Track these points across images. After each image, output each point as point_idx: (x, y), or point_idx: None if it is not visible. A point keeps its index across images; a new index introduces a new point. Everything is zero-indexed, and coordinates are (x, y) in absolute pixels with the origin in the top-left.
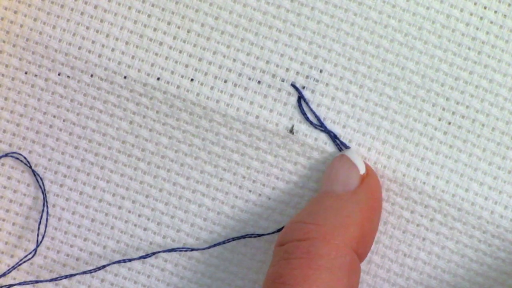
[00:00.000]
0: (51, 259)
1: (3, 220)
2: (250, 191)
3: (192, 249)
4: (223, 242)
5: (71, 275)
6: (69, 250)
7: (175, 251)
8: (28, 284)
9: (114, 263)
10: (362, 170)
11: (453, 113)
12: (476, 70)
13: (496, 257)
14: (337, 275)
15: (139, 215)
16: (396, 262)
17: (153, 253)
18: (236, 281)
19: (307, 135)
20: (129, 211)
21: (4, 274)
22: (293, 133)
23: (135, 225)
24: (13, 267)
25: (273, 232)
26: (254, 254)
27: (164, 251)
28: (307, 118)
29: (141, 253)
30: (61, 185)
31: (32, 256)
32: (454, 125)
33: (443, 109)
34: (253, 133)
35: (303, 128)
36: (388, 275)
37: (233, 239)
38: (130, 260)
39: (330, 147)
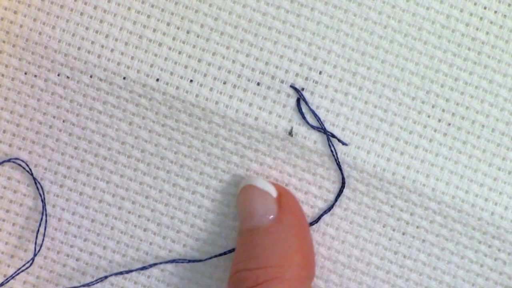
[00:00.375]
0: (51, 259)
1: (3, 220)
2: None
3: (189, 261)
4: (219, 255)
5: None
6: (69, 250)
7: (174, 262)
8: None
9: (112, 274)
10: (275, 193)
11: (453, 114)
12: (476, 70)
13: (496, 258)
14: None
15: (139, 216)
16: (395, 264)
17: (151, 265)
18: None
19: (306, 137)
20: (129, 212)
21: (2, 284)
22: (292, 135)
23: (135, 226)
24: (12, 276)
25: (219, 254)
26: None
27: (162, 263)
28: (304, 118)
29: (141, 254)
30: (61, 186)
31: (30, 265)
32: (453, 126)
33: (443, 111)
34: (252, 135)
35: (302, 130)
36: (388, 277)
37: (217, 255)
38: (128, 271)
39: (329, 150)
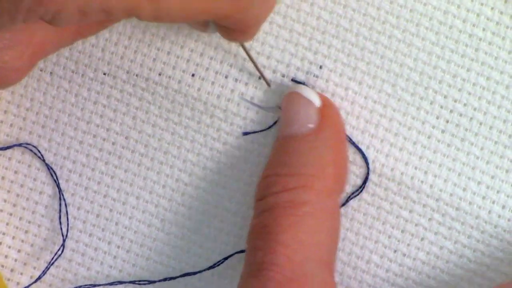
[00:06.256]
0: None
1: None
2: (250, 186)
3: (186, 275)
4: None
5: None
6: (74, 245)
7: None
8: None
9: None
10: (318, 103)
11: (451, 111)
12: (473, 67)
13: (494, 257)
14: (320, 219)
15: (143, 211)
16: (395, 262)
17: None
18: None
19: None
20: (133, 207)
21: (40, 277)
22: None
23: (139, 221)
24: (47, 268)
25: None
26: None
27: (172, 278)
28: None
29: (145, 250)
30: (66, 180)
31: (62, 252)
32: (452, 123)
33: (441, 107)
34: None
35: None
36: (387, 275)
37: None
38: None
39: None
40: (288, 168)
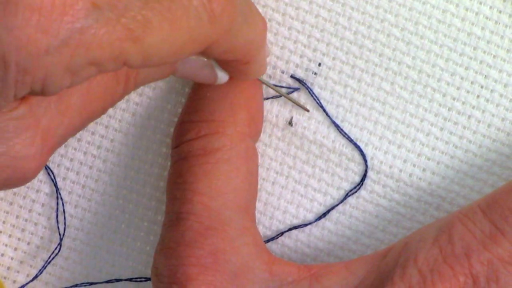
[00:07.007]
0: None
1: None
2: None
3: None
4: None
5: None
6: (71, 243)
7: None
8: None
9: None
10: None
11: (449, 109)
12: (472, 65)
13: None
14: (235, 165)
15: (140, 208)
16: None
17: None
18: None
19: (306, 127)
20: (131, 204)
21: (36, 276)
22: (291, 125)
23: (137, 218)
24: (44, 266)
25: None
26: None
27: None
28: (320, 104)
29: (143, 246)
30: (64, 179)
31: (59, 251)
32: (450, 121)
33: (440, 105)
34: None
35: (302, 120)
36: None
37: None
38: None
39: (327, 141)
40: (201, 114)
